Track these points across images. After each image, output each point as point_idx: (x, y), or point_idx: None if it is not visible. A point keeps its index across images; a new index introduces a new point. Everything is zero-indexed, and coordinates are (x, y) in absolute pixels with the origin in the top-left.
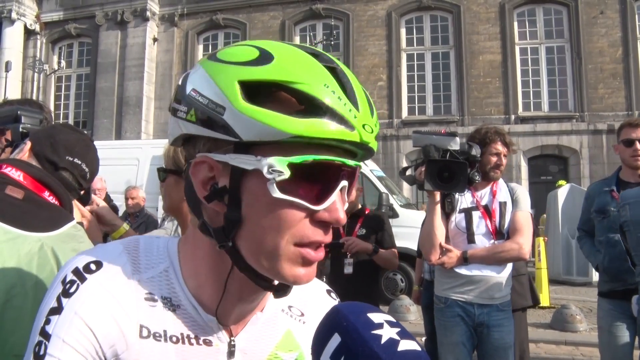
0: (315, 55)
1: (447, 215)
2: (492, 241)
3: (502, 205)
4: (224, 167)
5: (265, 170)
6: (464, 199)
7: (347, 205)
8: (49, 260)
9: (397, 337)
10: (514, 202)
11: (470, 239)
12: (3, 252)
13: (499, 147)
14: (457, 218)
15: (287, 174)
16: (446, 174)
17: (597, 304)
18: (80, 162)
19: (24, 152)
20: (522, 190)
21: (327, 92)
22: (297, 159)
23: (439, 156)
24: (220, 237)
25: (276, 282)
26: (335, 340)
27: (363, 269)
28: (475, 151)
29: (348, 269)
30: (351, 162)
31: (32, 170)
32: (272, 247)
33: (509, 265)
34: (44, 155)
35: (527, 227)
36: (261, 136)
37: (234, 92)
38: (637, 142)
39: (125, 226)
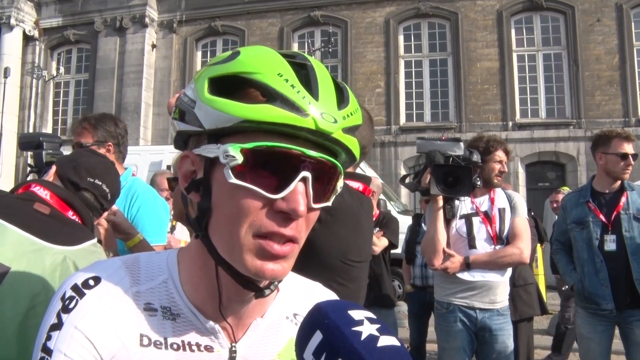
0: (290, 56)
1: (447, 222)
2: (493, 246)
3: (501, 211)
4: (201, 160)
5: (221, 156)
6: (464, 206)
7: (328, 203)
8: (70, 272)
9: (377, 333)
10: (512, 208)
11: (472, 244)
12: (29, 262)
13: (501, 155)
14: (458, 224)
15: (239, 159)
16: (450, 178)
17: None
18: (100, 183)
19: (50, 175)
20: (519, 197)
21: (279, 80)
22: (249, 144)
23: (443, 162)
24: (195, 227)
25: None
26: (317, 337)
27: (372, 267)
28: (476, 157)
29: None
30: (312, 153)
31: (58, 191)
32: (233, 236)
33: (509, 270)
34: (66, 177)
35: (526, 232)
36: (217, 122)
37: (203, 87)
38: (630, 157)
39: (140, 236)
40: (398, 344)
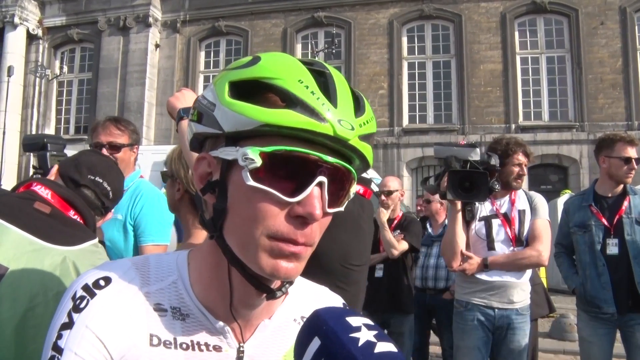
0: (309, 63)
1: (467, 224)
2: (512, 248)
3: (521, 213)
4: (218, 162)
5: (240, 159)
6: (484, 208)
7: (341, 208)
8: (70, 273)
9: (374, 340)
10: (533, 210)
11: (490, 246)
12: (28, 262)
13: (521, 157)
14: (477, 226)
15: (258, 162)
16: (467, 183)
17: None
18: (101, 181)
19: (52, 174)
20: (541, 199)
21: (300, 86)
22: (268, 148)
23: (460, 167)
24: (210, 227)
25: (274, 285)
26: (315, 343)
27: (391, 272)
28: (495, 161)
29: (378, 273)
30: (329, 158)
31: (59, 190)
32: (248, 238)
33: (529, 271)
34: (67, 175)
35: (546, 234)
36: (237, 125)
37: (223, 90)
38: (633, 161)
39: None
40: (395, 350)
